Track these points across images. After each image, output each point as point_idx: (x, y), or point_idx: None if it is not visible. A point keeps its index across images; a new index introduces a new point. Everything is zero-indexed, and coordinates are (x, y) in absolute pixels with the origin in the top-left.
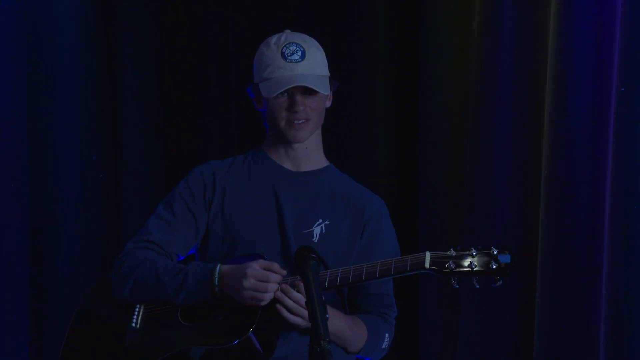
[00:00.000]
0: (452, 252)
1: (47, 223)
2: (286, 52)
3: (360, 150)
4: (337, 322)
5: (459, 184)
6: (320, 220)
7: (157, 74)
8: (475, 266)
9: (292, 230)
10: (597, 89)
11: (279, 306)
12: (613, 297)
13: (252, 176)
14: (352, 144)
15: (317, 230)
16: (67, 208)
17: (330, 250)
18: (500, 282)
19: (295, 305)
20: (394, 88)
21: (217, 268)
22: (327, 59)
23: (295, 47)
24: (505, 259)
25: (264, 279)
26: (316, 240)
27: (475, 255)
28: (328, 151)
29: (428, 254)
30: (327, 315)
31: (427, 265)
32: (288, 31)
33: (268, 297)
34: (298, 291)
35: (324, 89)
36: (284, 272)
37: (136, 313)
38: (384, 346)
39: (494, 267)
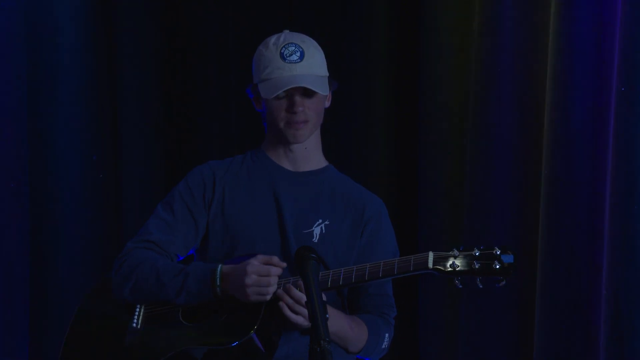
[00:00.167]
0: (456, 252)
1: (47, 223)
2: (285, 53)
3: (360, 150)
4: (338, 322)
5: (459, 184)
6: (320, 221)
7: (157, 74)
8: (479, 266)
9: (292, 231)
10: (597, 89)
11: (281, 304)
12: (613, 297)
13: (251, 176)
14: (352, 144)
15: (317, 231)
16: (67, 208)
17: (330, 250)
18: (503, 282)
19: (295, 304)
20: (394, 88)
21: (219, 268)
22: (327, 59)
23: (294, 48)
24: (509, 259)
25: (265, 273)
26: (316, 241)
27: (478, 255)
28: (328, 151)
29: (431, 254)
30: (327, 315)
31: (430, 265)
32: (287, 31)
33: (272, 290)
34: (300, 290)
35: (323, 90)
36: (284, 265)
37: (137, 313)
38: (384, 346)
39: (497, 267)
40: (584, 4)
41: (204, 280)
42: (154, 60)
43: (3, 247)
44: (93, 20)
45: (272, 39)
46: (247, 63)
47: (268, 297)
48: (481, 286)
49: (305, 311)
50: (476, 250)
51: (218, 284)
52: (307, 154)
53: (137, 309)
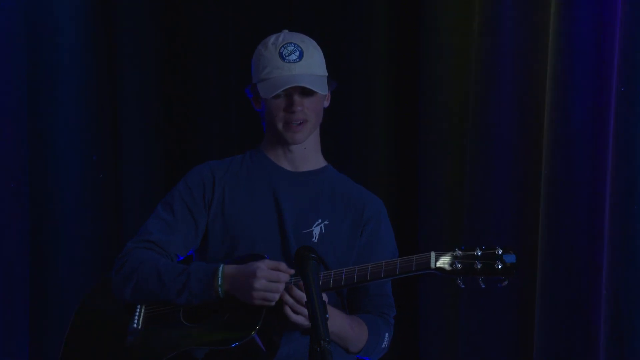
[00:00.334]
0: (457, 252)
1: (47, 223)
2: (284, 53)
3: (360, 150)
4: (338, 322)
5: (459, 184)
6: (320, 220)
7: (157, 74)
8: (481, 266)
9: (292, 231)
10: (597, 89)
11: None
12: (613, 297)
13: (251, 176)
14: (352, 144)
15: (316, 230)
16: (67, 208)
17: (330, 250)
18: (505, 282)
19: (295, 304)
20: (394, 88)
21: (220, 268)
22: (327, 59)
23: (293, 47)
24: (511, 258)
25: (275, 279)
26: (316, 240)
27: (480, 255)
28: (328, 151)
29: (433, 254)
30: (327, 315)
31: (432, 265)
32: (286, 31)
33: (278, 297)
34: (300, 290)
35: (322, 89)
36: (292, 271)
37: (137, 313)
38: (383, 346)
39: (500, 267)
40: (584, 4)
41: (205, 281)
42: (154, 60)
43: (3, 247)
44: (93, 20)
45: (271, 39)
46: (247, 63)
47: (273, 303)
48: (484, 286)
49: (306, 311)
50: (478, 250)
51: (220, 284)
52: (306, 154)
53: (138, 309)
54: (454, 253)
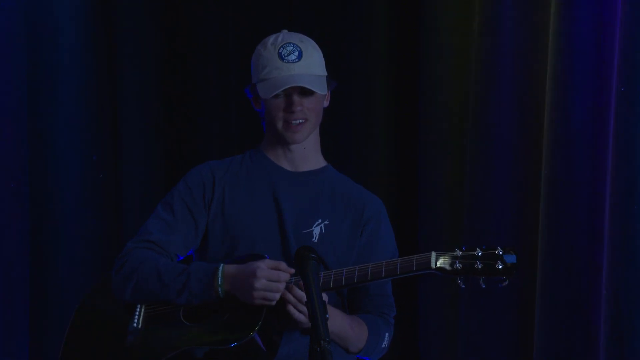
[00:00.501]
0: (458, 252)
1: (47, 223)
2: (283, 53)
3: (360, 150)
4: (338, 322)
5: (459, 184)
6: (320, 220)
7: (157, 74)
8: (481, 266)
9: (292, 231)
10: (597, 89)
11: (287, 304)
12: (613, 297)
13: (250, 176)
14: (352, 144)
15: (316, 230)
16: (67, 208)
17: (330, 250)
18: (506, 283)
19: (298, 303)
20: (394, 88)
21: (220, 268)
22: (327, 59)
23: (292, 48)
24: (511, 259)
25: (275, 279)
26: (316, 240)
27: (481, 255)
28: (328, 151)
29: (434, 254)
30: (327, 315)
31: (433, 265)
32: (285, 31)
33: (278, 296)
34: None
35: (321, 89)
36: (292, 271)
37: (137, 313)
38: (383, 345)
39: (500, 267)
40: (584, 4)
41: (205, 281)
42: (154, 60)
43: (3, 247)
44: (93, 20)
45: (271, 39)
46: (247, 63)
47: (273, 303)
48: (484, 286)
49: (305, 310)
50: (478, 251)
51: (220, 283)
52: (306, 153)
53: (138, 309)
54: (455, 253)
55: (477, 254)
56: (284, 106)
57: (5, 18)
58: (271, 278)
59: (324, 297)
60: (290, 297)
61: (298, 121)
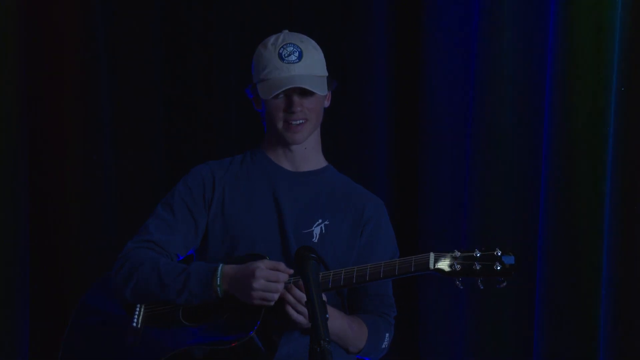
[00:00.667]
0: (456, 253)
1: (47, 223)
2: (283, 53)
3: (360, 150)
4: (338, 322)
5: (459, 184)
6: (320, 221)
7: (157, 74)
8: (480, 267)
9: (292, 231)
10: (597, 89)
11: (285, 304)
12: (613, 297)
13: (251, 176)
14: (352, 144)
15: (316, 231)
16: (67, 208)
17: (330, 250)
18: (504, 284)
19: (297, 303)
20: (394, 88)
21: (219, 268)
22: (327, 59)
23: (292, 48)
24: (509, 260)
25: (274, 279)
26: (316, 241)
27: (479, 256)
28: (328, 151)
29: (432, 255)
30: (327, 316)
31: (431, 266)
32: (286, 31)
33: (277, 297)
34: (300, 290)
35: (321, 90)
36: (291, 271)
37: (137, 312)
38: (384, 346)
39: (498, 268)
40: (583, 4)
41: (205, 281)
42: (154, 60)
43: (3, 247)
44: (93, 20)
45: (271, 39)
46: (247, 63)
47: (272, 303)
48: (482, 287)
49: (306, 311)
50: (477, 252)
51: (218, 284)
52: (307, 153)
53: (137, 309)
54: (453, 254)
55: (476, 254)
56: (284, 106)
57: (6, 18)
58: (270, 278)
59: (323, 297)
60: (289, 297)
61: (298, 121)
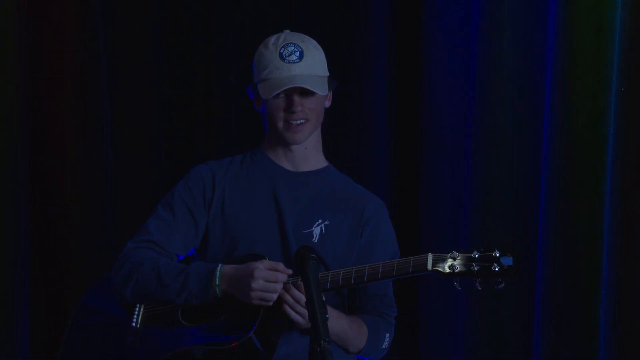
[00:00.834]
0: (455, 254)
1: (47, 223)
2: (284, 53)
3: (360, 150)
4: (338, 322)
5: (459, 184)
6: (320, 221)
7: (157, 74)
8: (478, 268)
9: (292, 231)
10: (597, 89)
11: (283, 304)
12: (613, 297)
13: (251, 176)
14: (352, 144)
15: (316, 231)
16: (67, 208)
17: (330, 251)
18: (502, 285)
19: (295, 303)
20: (394, 88)
21: (218, 268)
22: (327, 59)
23: (293, 48)
24: (508, 261)
25: (273, 279)
26: (316, 241)
27: (478, 257)
28: (328, 151)
29: (430, 256)
30: (327, 316)
31: (429, 267)
32: (287, 31)
33: (275, 297)
34: (299, 291)
35: (322, 90)
36: (290, 272)
37: (136, 312)
38: (384, 346)
39: (496, 269)
40: (583, 4)
41: (204, 281)
42: (154, 60)
43: (3, 247)
44: (93, 20)
45: (272, 39)
46: (247, 63)
47: (270, 304)
48: (480, 288)
49: (305, 311)
50: (475, 252)
51: (217, 284)
52: (307, 153)
53: (137, 308)
54: (452, 255)
55: (474, 255)
56: (284, 106)
57: (5, 18)
58: (268, 279)
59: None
60: (287, 297)
61: (298, 121)
